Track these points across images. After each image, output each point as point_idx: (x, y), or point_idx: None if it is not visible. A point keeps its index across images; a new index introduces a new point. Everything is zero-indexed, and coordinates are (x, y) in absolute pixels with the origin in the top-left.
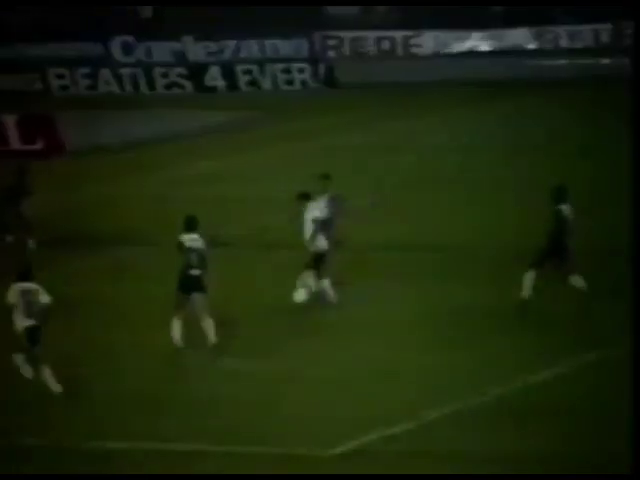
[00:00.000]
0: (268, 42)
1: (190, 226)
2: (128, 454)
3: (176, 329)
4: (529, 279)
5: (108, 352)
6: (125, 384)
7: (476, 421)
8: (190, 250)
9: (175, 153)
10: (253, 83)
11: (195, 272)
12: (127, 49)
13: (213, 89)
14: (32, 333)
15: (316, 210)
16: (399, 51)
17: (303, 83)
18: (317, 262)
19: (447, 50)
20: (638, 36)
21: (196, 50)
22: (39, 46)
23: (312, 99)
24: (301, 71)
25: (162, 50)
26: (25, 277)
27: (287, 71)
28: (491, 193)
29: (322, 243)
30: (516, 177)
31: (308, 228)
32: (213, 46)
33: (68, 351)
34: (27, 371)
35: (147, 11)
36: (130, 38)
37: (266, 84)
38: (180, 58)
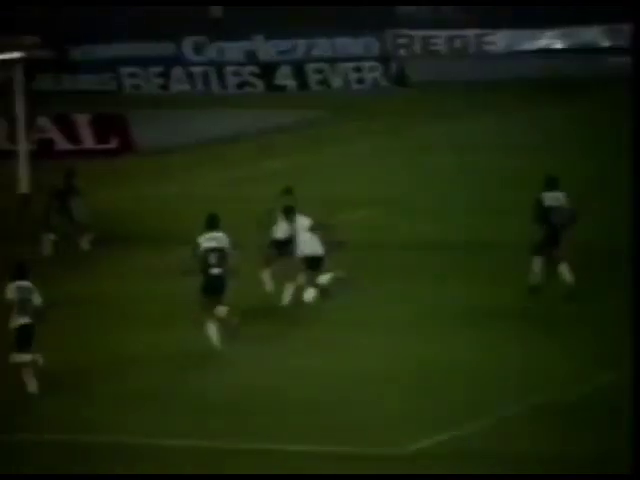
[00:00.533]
0: (339, 41)
1: (211, 224)
2: (192, 452)
3: (212, 331)
4: (536, 266)
5: (166, 350)
6: (189, 384)
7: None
8: (208, 250)
9: (245, 152)
10: (323, 82)
11: (215, 271)
12: (199, 48)
13: (283, 88)
14: (25, 331)
15: (306, 220)
16: (471, 49)
17: (374, 82)
18: (311, 265)
19: (520, 48)
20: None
21: (267, 49)
22: (112, 46)
23: (382, 98)
24: (372, 70)
25: (234, 49)
26: (21, 275)
27: (358, 70)
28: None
29: (314, 248)
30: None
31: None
32: (284, 45)
33: (128, 351)
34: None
35: (218, 11)
36: (202, 38)
37: (336, 83)
38: (251, 57)
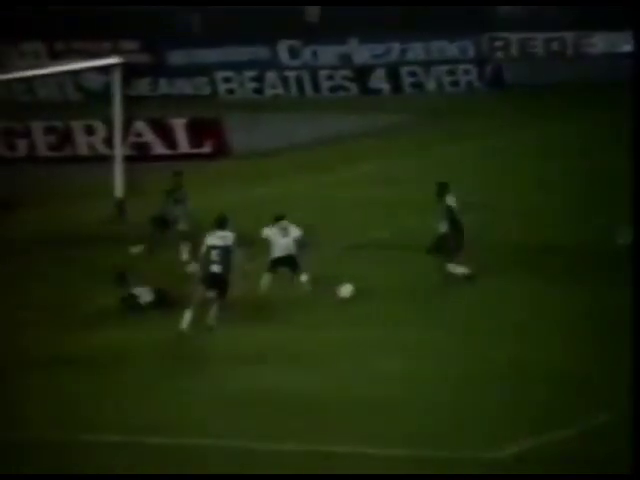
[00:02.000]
0: (433, 43)
1: (220, 224)
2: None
3: (186, 319)
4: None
5: (275, 350)
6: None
7: None
8: (213, 247)
9: (339, 155)
10: (418, 85)
11: (215, 269)
12: (293, 52)
13: (378, 91)
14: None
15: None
16: (569, 51)
17: (469, 85)
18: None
19: (619, 50)
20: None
21: (361, 52)
22: (207, 50)
23: (477, 101)
24: (466, 72)
25: (328, 53)
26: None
27: (452, 73)
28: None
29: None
30: None
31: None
32: (378, 48)
33: (252, 351)
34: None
35: (314, 14)
36: (297, 42)
37: (430, 86)
38: (345, 60)
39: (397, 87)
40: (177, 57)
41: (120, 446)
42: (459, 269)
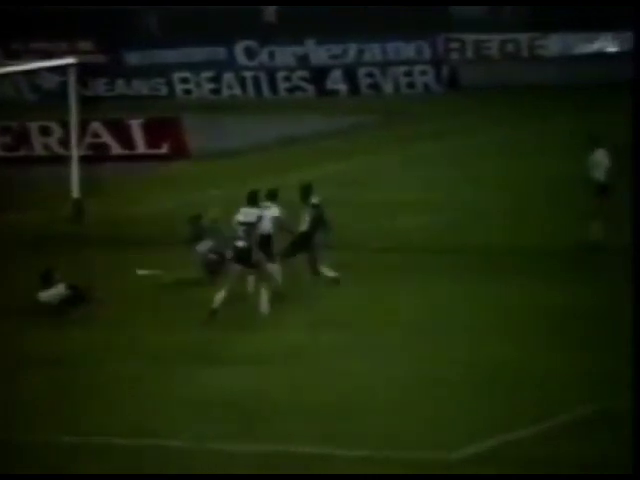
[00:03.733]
0: (390, 45)
1: (251, 200)
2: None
3: (218, 297)
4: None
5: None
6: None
7: None
8: (238, 224)
9: (296, 157)
10: (374, 86)
11: (240, 243)
12: (250, 53)
13: (335, 92)
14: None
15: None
16: (524, 53)
17: (425, 86)
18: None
19: (574, 52)
20: None
21: (319, 53)
22: (165, 51)
23: (433, 102)
24: (423, 73)
25: (285, 54)
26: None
27: (409, 74)
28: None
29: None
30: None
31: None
32: (335, 49)
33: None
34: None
35: (270, 15)
36: (254, 42)
37: (387, 87)
38: (302, 61)
39: (354, 88)
40: (134, 57)
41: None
42: (328, 271)
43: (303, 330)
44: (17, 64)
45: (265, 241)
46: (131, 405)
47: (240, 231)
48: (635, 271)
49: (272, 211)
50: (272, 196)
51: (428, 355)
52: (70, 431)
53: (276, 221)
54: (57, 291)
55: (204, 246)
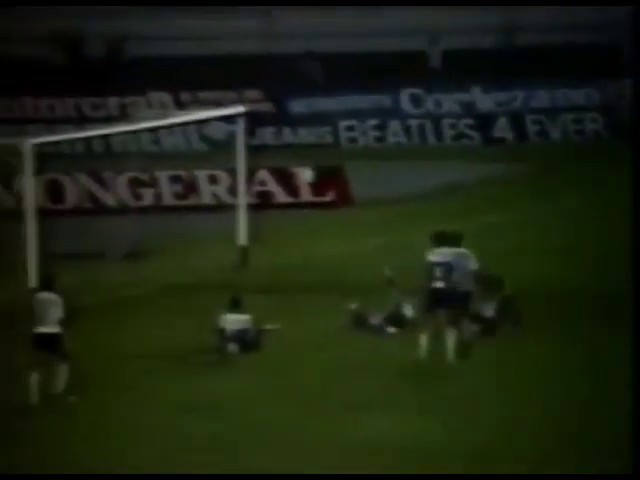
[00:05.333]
0: (558, 91)
1: (440, 241)
2: None
3: (422, 344)
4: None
5: None
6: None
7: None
8: (436, 264)
9: (461, 205)
10: (542, 133)
11: (438, 284)
12: (416, 101)
13: (501, 140)
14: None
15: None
16: None
17: (595, 133)
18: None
19: None
20: None
21: (485, 100)
22: (330, 99)
23: (602, 150)
24: (593, 121)
25: (451, 101)
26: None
27: (578, 121)
28: None
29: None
30: None
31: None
32: (502, 96)
33: None
34: None
35: (436, 61)
36: (419, 90)
37: (555, 134)
38: (468, 109)
39: (522, 135)
40: (300, 106)
41: None
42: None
43: None
44: (187, 114)
45: (464, 297)
46: (287, 451)
47: (437, 272)
48: (635, 271)
49: (470, 263)
50: (457, 239)
51: None
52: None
53: (475, 275)
54: (242, 319)
55: (377, 319)
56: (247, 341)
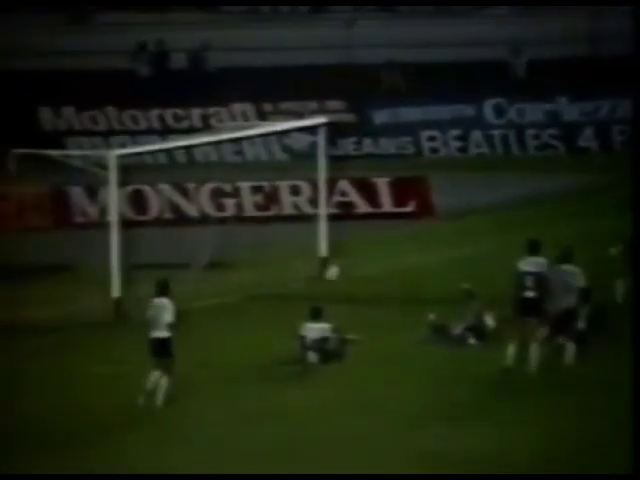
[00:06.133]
0: None
1: (533, 250)
2: None
3: (510, 353)
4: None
5: None
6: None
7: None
8: (527, 273)
9: (545, 215)
10: (627, 143)
11: (529, 294)
12: (500, 110)
13: (586, 150)
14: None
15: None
16: None
17: None
18: None
19: None
20: None
21: (570, 110)
22: (412, 109)
23: None
24: None
25: (535, 111)
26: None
27: None
28: None
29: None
30: None
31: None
32: (588, 106)
33: None
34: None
35: (519, 72)
36: (503, 100)
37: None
38: (553, 118)
39: (607, 145)
40: (381, 116)
41: None
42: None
43: None
44: (269, 125)
45: (567, 315)
46: (368, 464)
47: (528, 281)
48: (635, 270)
49: (577, 280)
50: (568, 256)
51: None
52: None
53: (581, 293)
54: (323, 328)
55: (458, 329)
56: (327, 350)
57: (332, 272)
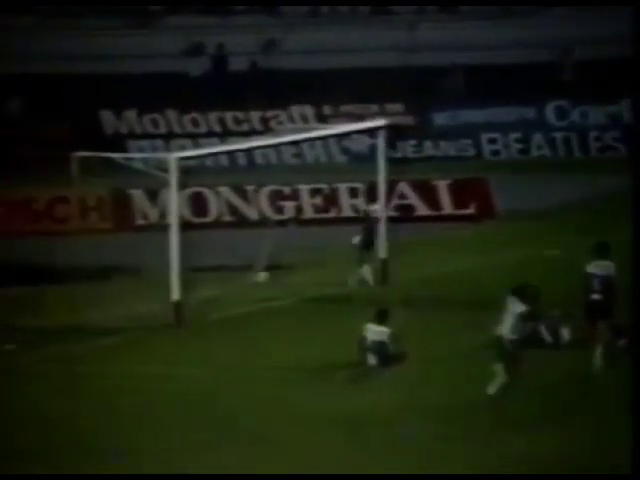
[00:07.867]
0: None
1: (601, 252)
2: None
3: (597, 355)
4: None
5: None
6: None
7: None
8: (593, 275)
9: (606, 218)
10: None
11: (595, 297)
12: (561, 113)
13: None
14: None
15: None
16: None
17: None
18: None
19: None
20: None
21: (632, 112)
22: (472, 111)
23: None
24: None
25: (597, 113)
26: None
27: None
28: None
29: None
30: None
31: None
32: None
33: None
34: None
35: (570, 73)
36: (565, 102)
37: None
38: (616, 121)
39: None
40: (441, 119)
41: None
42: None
43: None
44: (328, 127)
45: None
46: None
47: (595, 284)
48: (635, 271)
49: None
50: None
51: None
52: None
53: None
54: (383, 331)
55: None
56: (385, 355)
57: (261, 276)
